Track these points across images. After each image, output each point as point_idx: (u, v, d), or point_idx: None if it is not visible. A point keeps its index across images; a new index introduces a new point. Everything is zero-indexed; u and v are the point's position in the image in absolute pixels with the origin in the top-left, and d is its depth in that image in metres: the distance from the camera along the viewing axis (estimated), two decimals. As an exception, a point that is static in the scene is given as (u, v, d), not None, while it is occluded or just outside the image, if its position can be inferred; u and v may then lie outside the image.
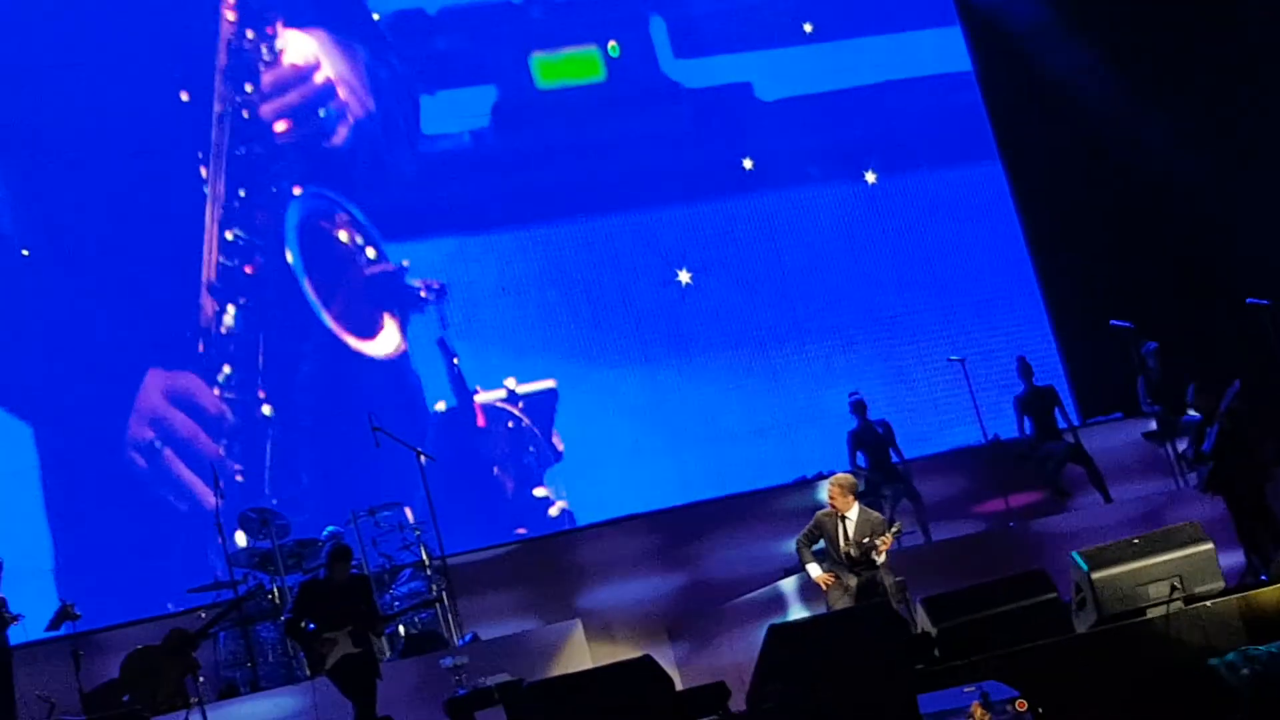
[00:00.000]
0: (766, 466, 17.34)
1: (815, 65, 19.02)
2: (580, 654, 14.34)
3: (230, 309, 16.37)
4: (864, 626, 11.50)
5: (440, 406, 16.99)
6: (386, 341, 16.98)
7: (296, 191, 17.01)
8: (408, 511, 15.50)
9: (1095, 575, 11.60)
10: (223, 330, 16.30)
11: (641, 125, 18.29)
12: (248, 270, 16.46)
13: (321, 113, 17.26)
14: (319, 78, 17.25)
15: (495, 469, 17.08)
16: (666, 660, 14.69)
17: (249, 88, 16.84)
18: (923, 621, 11.87)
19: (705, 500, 16.97)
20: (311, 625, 12.35)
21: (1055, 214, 18.96)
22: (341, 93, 17.32)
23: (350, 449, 16.04)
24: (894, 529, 13.20)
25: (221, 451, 15.99)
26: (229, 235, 16.45)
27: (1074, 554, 11.91)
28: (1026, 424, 16.78)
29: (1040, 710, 10.01)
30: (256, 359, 16.37)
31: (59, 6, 16.71)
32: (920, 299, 18.63)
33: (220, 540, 14.13)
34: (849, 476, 13.76)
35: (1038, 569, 12.28)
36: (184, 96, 16.75)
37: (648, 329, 17.77)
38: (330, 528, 14.70)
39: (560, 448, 17.22)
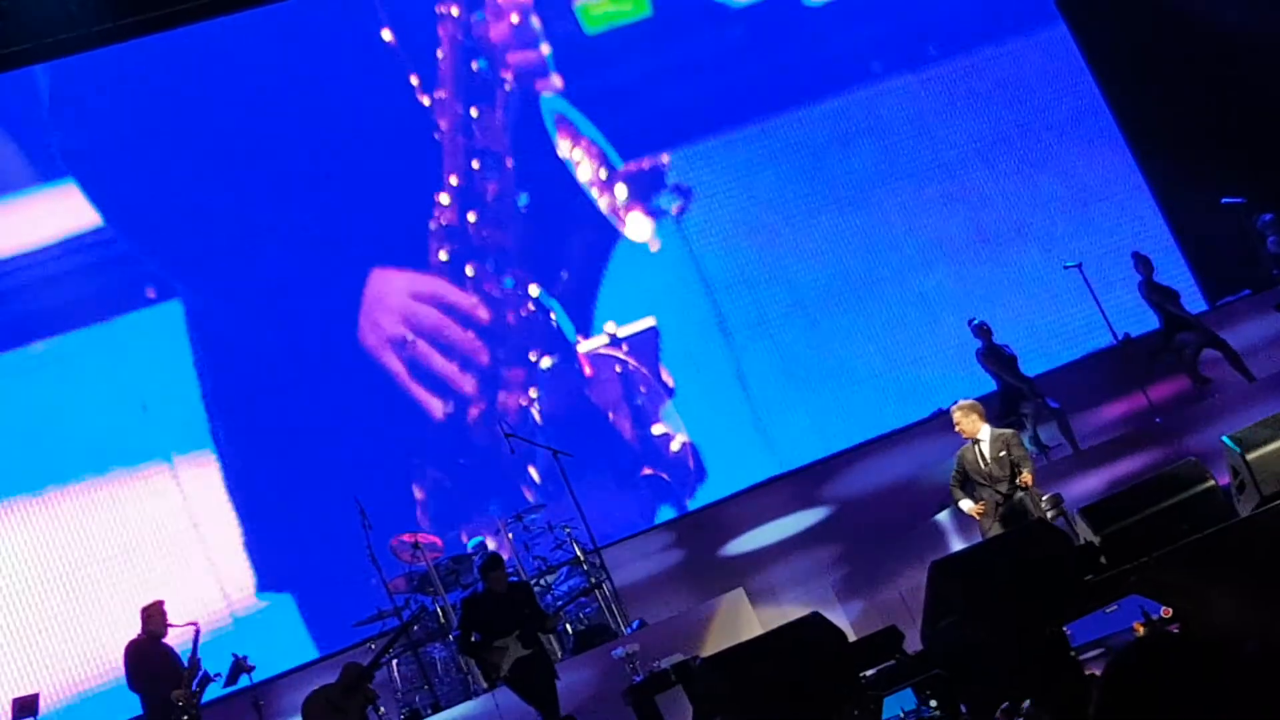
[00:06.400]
0: (901, 404, 17.20)
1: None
2: (748, 621, 14.33)
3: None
4: (1025, 547, 11.37)
5: (545, 363, 17.02)
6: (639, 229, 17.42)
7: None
8: (531, 470, 15.61)
9: (1249, 456, 11.42)
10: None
11: (695, 52, 18.11)
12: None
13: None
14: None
15: (610, 414, 17.05)
16: (835, 612, 14.66)
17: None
18: (1084, 532, 11.74)
19: (847, 448, 16.89)
20: (477, 637, 12.43)
21: (1141, 89, 18.52)
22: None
23: (484, 460, 16.17)
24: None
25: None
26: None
27: (1225, 438, 11.74)
28: (1155, 315, 16.59)
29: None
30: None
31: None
32: (1022, 207, 18.36)
33: (377, 570, 14.25)
34: (969, 400, 13.69)
35: (1190, 459, 12.10)
36: (388, 35, 17.31)
37: (748, 270, 17.62)
38: (474, 539, 14.79)
39: (670, 383, 17.17)
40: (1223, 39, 18.22)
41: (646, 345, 17.19)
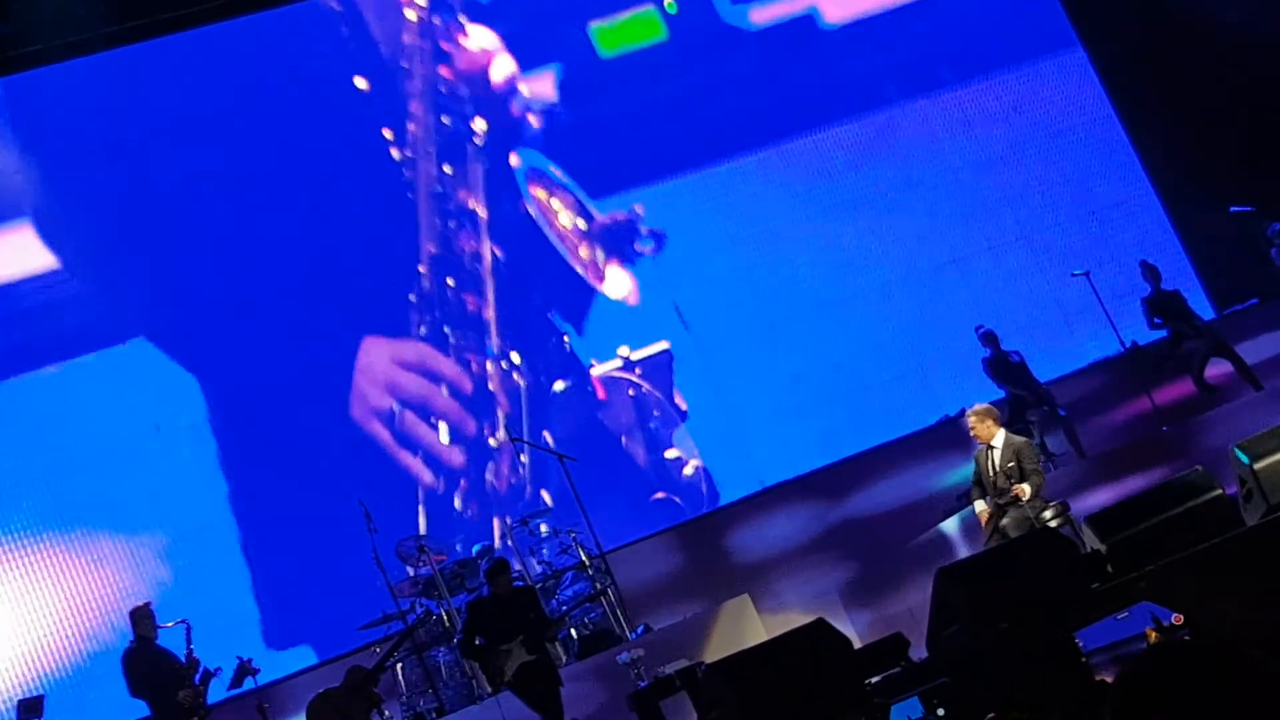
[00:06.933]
0: (908, 412, 17.16)
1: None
2: (754, 628, 14.30)
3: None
4: (1032, 556, 11.34)
5: (558, 387, 16.98)
6: (617, 286, 17.27)
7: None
8: (544, 495, 15.58)
9: (1257, 466, 11.39)
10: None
11: (711, 76, 18.06)
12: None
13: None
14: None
15: (624, 439, 17.01)
16: (841, 619, 14.66)
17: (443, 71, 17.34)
18: (1090, 540, 11.71)
19: (854, 455, 16.85)
20: (481, 641, 12.43)
21: (1151, 97, 18.49)
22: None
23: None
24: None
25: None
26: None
27: (1233, 447, 11.72)
28: (1162, 326, 16.55)
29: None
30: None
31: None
32: (1031, 214, 18.34)
33: (382, 574, 14.24)
34: (984, 405, 13.67)
35: (1197, 468, 12.07)
36: (361, 83, 17.13)
37: (761, 285, 17.59)
38: (478, 545, 14.77)
39: (684, 407, 17.14)
40: (1231, 46, 18.17)
41: (659, 369, 17.16)
